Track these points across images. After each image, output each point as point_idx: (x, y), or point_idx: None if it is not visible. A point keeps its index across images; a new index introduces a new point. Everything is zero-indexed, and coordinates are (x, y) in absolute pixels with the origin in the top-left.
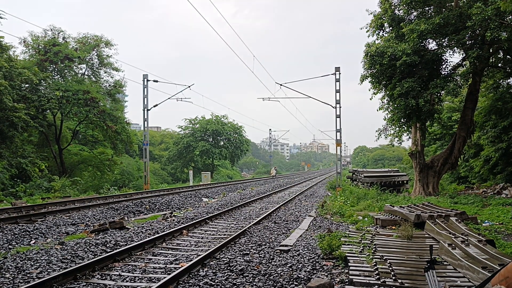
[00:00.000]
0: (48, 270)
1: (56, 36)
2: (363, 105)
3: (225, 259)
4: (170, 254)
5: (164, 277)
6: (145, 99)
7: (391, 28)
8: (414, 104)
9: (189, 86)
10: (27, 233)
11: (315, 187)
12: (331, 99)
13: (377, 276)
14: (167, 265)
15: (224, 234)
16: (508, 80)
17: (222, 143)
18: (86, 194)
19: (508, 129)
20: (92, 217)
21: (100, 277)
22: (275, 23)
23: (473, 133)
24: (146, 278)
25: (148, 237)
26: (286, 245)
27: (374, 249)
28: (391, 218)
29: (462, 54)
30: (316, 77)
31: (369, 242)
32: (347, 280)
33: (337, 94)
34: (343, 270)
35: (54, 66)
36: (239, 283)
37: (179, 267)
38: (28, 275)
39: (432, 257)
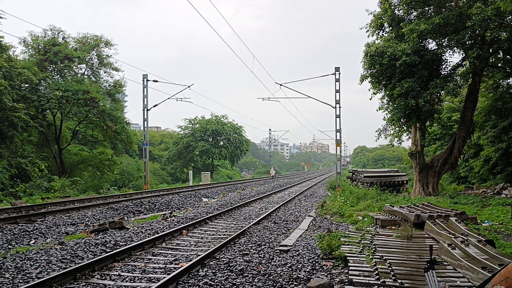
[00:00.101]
0: (48, 270)
1: (56, 36)
2: (363, 105)
3: (224, 259)
4: (170, 254)
5: (164, 277)
6: (145, 99)
7: (391, 28)
8: (414, 104)
9: (189, 86)
10: (27, 233)
11: (314, 187)
12: (331, 99)
13: (377, 276)
14: (167, 265)
15: (224, 234)
16: (508, 80)
17: (222, 143)
18: (85, 194)
19: (508, 129)
20: (91, 217)
21: (99, 277)
22: (275, 23)
23: (473, 133)
24: (145, 278)
25: (148, 237)
26: (285, 245)
27: (373, 249)
28: (390, 218)
29: (462, 54)
30: (316, 77)
31: (369, 242)
32: (346, 280)
33: (337, 94)
34: (342, 270)
35: (53, 66)
36: (239, 283)
37: (179, 267)
38: (28, 275)
39: (432, 257)
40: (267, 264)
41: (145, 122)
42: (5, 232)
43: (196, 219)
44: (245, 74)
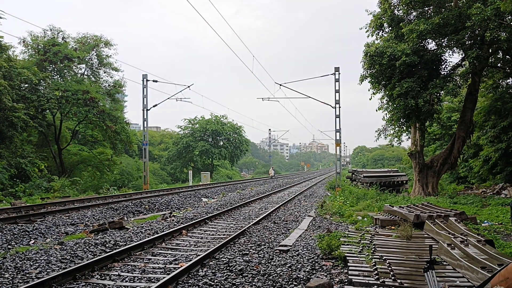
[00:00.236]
0: (48, 270)
1: (56, 36)
2: (363, 105)
3: (224, 259)
4: (170, 254)
5: (164, 277)
6: (145, 99)
7: (390, 28)
8: (413, 104)
9: (188, 86)
10: (27, 233)
11: (314, 187)
12: (330, 99)
13: (376, 276)
14: (167, 265)
15: (224, 234)
16: (508, 80)
17: (221, 143)
18: (85, 194)
19: (507, 129)
20: (91, 217)
21: (99, 277)
22: (275, 23)
23: (472, 133)
24: (145, 278)
25: (148, 237)
26: (285, 245)
27: (373, 249)
28: (390, 218)
29: (462, 54)
30: (315, 77)
31: (369, 242)
32: (346, 280)
33: (337, 94)
34: (342, 270)
35: (53, 66)
36: (239, 283)
37: (179, 267)
38: (27, 275)
39: (432, 257)
40: (267, 264)
41: (145, 122)
42: (5, 232)
43: (195, 219)
44: (245, 74)
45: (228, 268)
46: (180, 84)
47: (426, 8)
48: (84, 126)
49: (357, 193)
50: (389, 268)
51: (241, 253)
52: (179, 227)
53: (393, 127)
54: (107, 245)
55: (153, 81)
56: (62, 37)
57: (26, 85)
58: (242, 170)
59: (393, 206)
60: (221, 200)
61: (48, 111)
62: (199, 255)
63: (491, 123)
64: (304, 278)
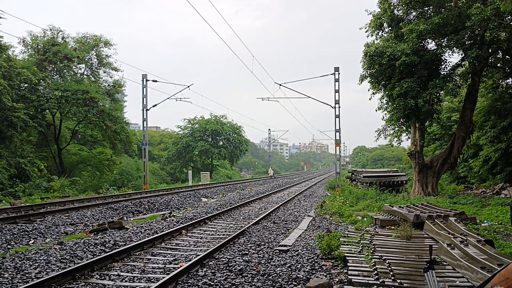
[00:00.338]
0: (47, 270)
1: (55, 35)
2: (363, 105)
3: (224, 259)
4: (169, 254)
5: (163, 277)
6: (144, 99)
7: (390, 28)
8: (413, 104)
9: (188, 86)
10: (26, 233)
11: (314, 187)
12: (330, 99)
13: (376, 276)
14: (166, 265)
15: (223, 234)
16: (507, 80)
17: (221, 143)
18: (85, 194)
19: (507, 129)
20: (91, 217)
21: (99, 277)
22: (275, 23)
23: (472, 133)
24: (145, 278)
25: (147, 237)
26: (285, 245)
27: (373, 249)
28: (390, 218)
29: (461, 54)
30: (315, 77)
31: (368, 242)
32: (346, 280)
33: (336, 94)
34: (342, 270)
35: (53, 66)
36: (238, 283)
37: (178, 267)
38: (27, 275)
39: (432, 257)
40: (267, 264)
41: (145, 122)
42: (4, 232)
43: (195, 219)
44: (244, 74)
45: (227, 268)
46: (180, 84)
47: (426, 8)
48: (84, 126)
49: (356, 193)
50: (389, 268)
51: (240, 253)
52: (178, 227)
53: (392, 127)
54: (106, 245)
55: (153, 81)
56: (62, 37)
57: (26, 85)
58: (241, 170)
59: (392, 206)
60: (220, 200)
61: (47, 111)
62: (198, 255)
63: (490, 123)
64: (304, 278)
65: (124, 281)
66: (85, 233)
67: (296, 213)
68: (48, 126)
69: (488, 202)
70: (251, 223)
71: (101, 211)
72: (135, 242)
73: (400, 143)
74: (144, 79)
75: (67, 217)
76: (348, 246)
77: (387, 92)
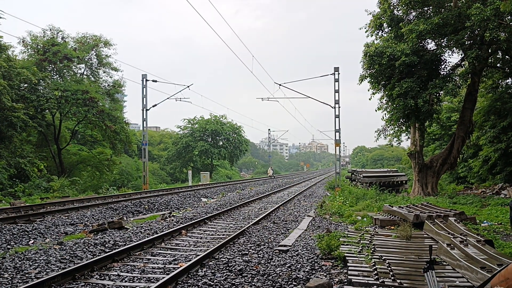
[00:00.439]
0: (47, 270)
1: (55, 35)
2: (362, 105)
3: (224, 259)
4: (169, 254)
5: (163, 277)
6: (144, 99)
7: (390, 28)
8: (413, 104)
9: (188, 86)
10: (26, 233)
11: (314, 187)
12: (330, 99)
13: (376, 276)
14: (166, 265)
15: (223, 234)
16: (507, 81)
17: (221, 143)
18: (85, 194)
19: (507, 129)
20: (91, 217)
21: (98, 277)
22: (275, 23)
23: (472, 133)
24: (145, 278)
25: (147, 237)
26: (285, 245)
27: (373, 249)
28: (390, 218)
29: (461, 54)
30: (315, 77)
31: (368, 242)
32: (346, 280)
33: (336, 94)
34: (342, 270)
35: (53, 66)
36: (238, 283)
37: (178, 267)
38: (27, 275)
39: (431, 257)
40: (266, 264)
41: (144, 122)
42: (4, 232)
43: (195, 219)
44: (244, 74)
45: (227, 268)
46: (180, 84)
47: (426, 8)
48: (84, 126)
49: (356, 193)
50: (389, 268)
51: (240, 253)
52: (178, 227)
53: (392, 127)
54: (106, 245)
55: (153, 81)
56: (62, 37)
57: (26, 85)
58: (241, 170)
59: (392, 206)
60: (220, 200)
61: (47, 111)
62: (198, 255)
63: (490, 123)
64: (304, 278)
65: (124, 281)
66: (85, 233)
67: (296, 213)
68: (48, 126)
69: (488, 202)
70: (251, 223)
71: (101, 211)
72: (135, 242)
73: (400, 143)
74: (144, 79)
75: (67, 217)
76: (348, 246)
77: (387, 92)
